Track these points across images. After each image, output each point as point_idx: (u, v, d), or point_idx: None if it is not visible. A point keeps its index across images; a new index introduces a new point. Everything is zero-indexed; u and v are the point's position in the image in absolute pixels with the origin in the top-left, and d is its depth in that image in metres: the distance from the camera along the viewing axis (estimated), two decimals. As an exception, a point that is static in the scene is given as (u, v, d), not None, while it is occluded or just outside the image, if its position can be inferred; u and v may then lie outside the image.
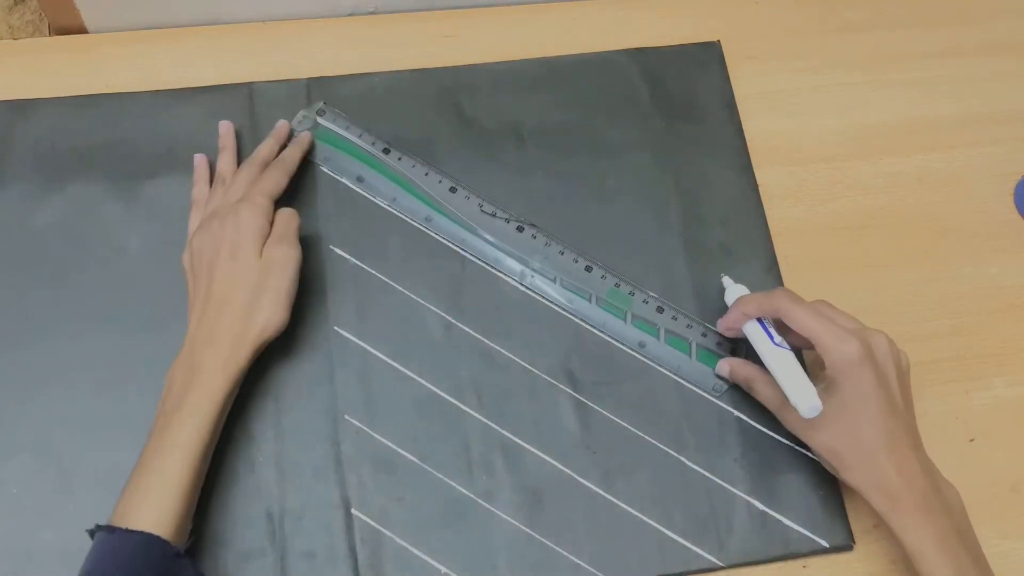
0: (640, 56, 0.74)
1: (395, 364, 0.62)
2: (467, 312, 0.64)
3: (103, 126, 0.68)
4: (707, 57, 0.74)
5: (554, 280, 0.65)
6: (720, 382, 0.63)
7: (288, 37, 0.74)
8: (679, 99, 0.72)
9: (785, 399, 0.57)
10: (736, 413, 0.62)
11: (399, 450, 0.60)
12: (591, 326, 0.64)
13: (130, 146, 0.68)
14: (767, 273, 0.67)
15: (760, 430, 0.62)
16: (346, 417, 0.61)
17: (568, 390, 0.62)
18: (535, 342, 0.63)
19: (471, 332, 0.63)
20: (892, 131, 0.74)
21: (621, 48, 0.74)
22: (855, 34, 0.77)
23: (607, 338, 0.64)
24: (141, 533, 0.50)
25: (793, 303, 0.58)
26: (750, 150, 0.72)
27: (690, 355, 0.63)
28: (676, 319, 0.65)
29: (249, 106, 0.70)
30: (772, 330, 0.60)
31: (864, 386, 0.55)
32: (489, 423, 0.61)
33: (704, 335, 0.64)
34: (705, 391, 0.63)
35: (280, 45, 0.73)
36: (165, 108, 0.69)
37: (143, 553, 0.50)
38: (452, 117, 0.70)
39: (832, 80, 0.75)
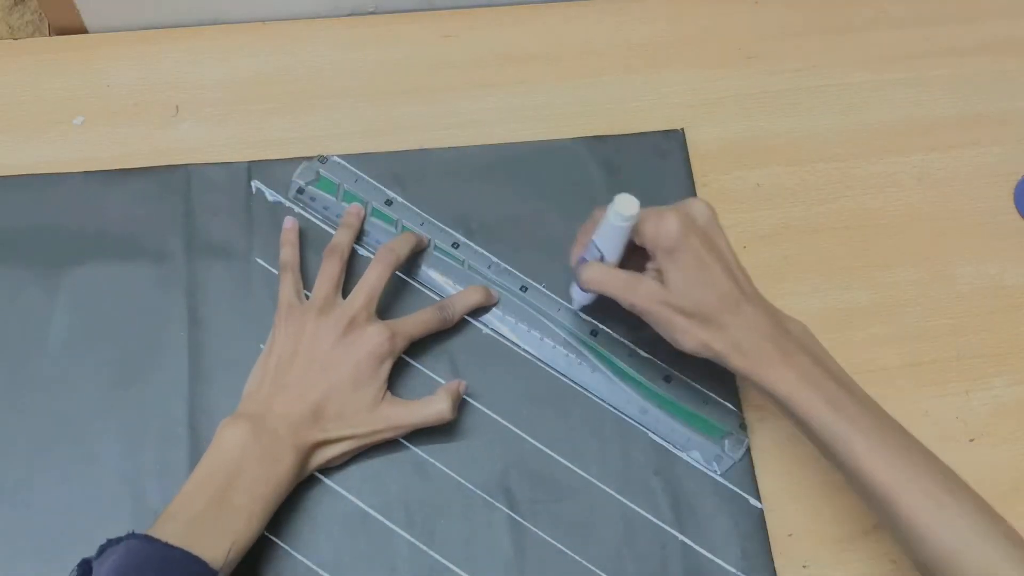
0: (598, 144, 0.70)
1: (320, 476, 0.58)
2: None
3: (29, 209, 0.65)
4: (669, 146, 0.70)
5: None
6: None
7: (288, 37, 0.74)
8: (637, 192, 0.68)
9: (635, 281, 0.56)
10: (681, 537, 0.59)
11: (320, 571, 0.57)
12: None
13: (57, 230, 0.65)
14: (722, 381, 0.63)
15: (707, 556, 0.58)
16: (265, 533, 0.56)
17: (504, 508, 0.59)
18: (472, 455, 0.60)
19: (404, 442, 0.60)
20: (892, 131, 0.74)
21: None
22: (855, 34, 0.77)
23: (548, 452, 0.61)
24: (180, 549, 0.49)
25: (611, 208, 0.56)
26: (753, 149, 0.72)
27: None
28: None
29: (186, 189, 0.66)
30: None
31: (694, 256, 0.54)
32: (418, 543, 0.58)
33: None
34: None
35: (280, 45, 0.74)
36: (96, 190, 0.66)
37: (178, 566, 0.49)
38: (397, 205, 0.67)
39: (832, 80, 0.75)
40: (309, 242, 0.65)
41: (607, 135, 0.71)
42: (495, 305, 0.64)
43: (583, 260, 0.58)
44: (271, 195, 0.67)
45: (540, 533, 0.58)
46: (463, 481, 0.59)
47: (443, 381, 0.62)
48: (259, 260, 0.65)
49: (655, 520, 0.59)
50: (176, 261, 0.64)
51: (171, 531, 0.51)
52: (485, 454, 0.60)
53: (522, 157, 0.69)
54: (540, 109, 0.72)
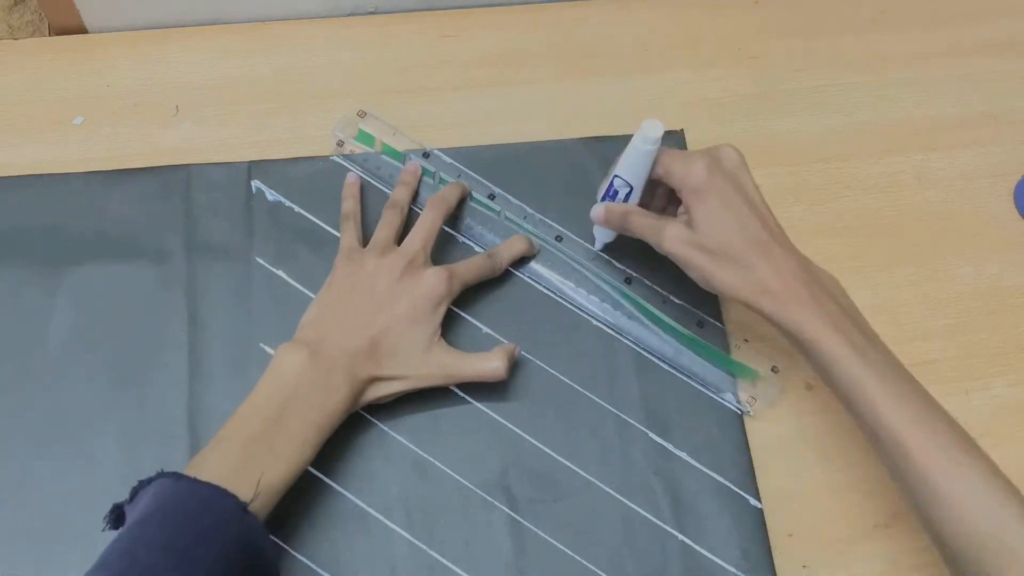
0: (598, 144, 0.70)
1: (321, 476, 0.58)
2: (401, 420, 0.60)
3: (29, 209, 0.65)
4: (669, 147, 0.71)
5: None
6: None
7: (288, 37, 0.74)
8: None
9: (663, 224, 0.58)
10: (681, 537, 0.59)
11: (320, 571, 0.56)
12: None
13: (57, 230, 0.65)
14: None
15: (707, 556, 0.58)
16: None
17: (504, 508, 0.59)
18: (471, 454, 0.60)
19: (404, 441, 0.60)
20: (892, 131, 0.74)
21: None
22: (855, 34, 0.77)
23: (548, 451, 0.61)
24: (209, 484, 0.49)
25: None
26: (753, 149, 0.71)
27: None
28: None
29: (186, 189, 0.66)
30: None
31: (720, 197, 0.56)
32: (418, 543, 0.58)
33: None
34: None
35: (280, 45, 0.73)
36: (97, 191, 0.66)
37: (208, 503, 0.49)
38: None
39: (832, 80, 0.75)
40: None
41: (607, 135, 0.71)
42: (536, 255, 0.66)
43: (607, 197, 0.60)
44: (271, 195, 0.67)
45: (540, 532, 0.58)
46: (463, 480, 0.59)
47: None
48: (259, 260, 0.65)
49: (655, 520, 0.59)
50: (176, 261, 0.64)
51: (225, 451, 0.52)
52: (485, 453, 0.60)
53: (522, 157, 0.69)
54: (540, 109, 0.72)
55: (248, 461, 0.52)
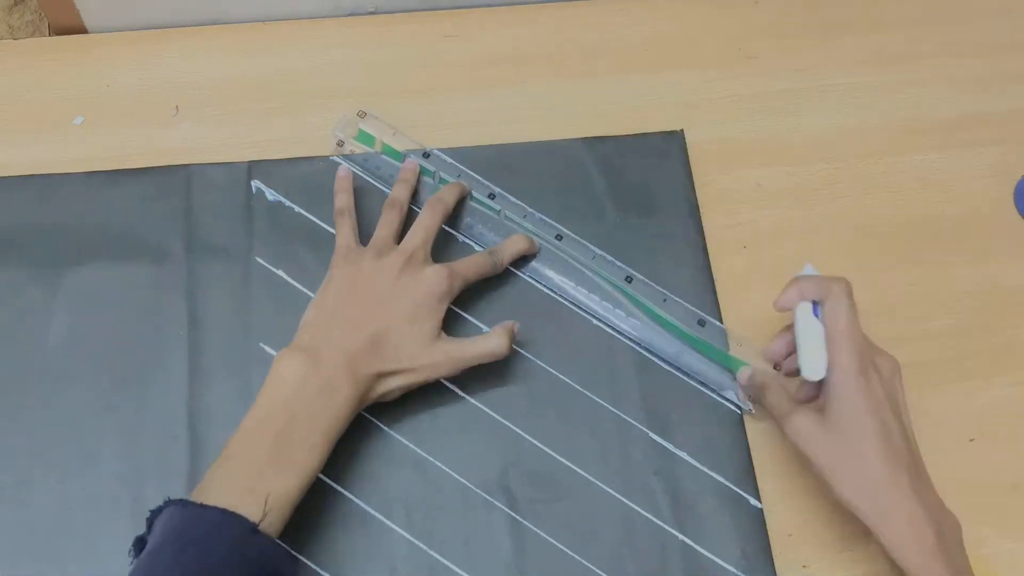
0: (598, 145, 0.70)
1: (321, 476, 0.57)
2: (401, 419, 0.60)
3: (29, 209, 0.65)
4: (668, 148, 0.70)
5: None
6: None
7: (288, 37, 0.74)
8: (636, 192, 0.68)
9: (791, 408, 0.55)
10: (681, 537, 0.58)
11: (320, 571, 0.56)
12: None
13: (57, 230, 0.65)
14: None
15: (707, 556, 0.58)
16: None
17: (503, 507, 0.58)
18: (471, 454, 0.60)
19: (404, 441, 0.60)
20: (892, 131, 0.73)
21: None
22: (855, 34, 0.77)
23: (548, 451, 0.60)
24: (216, 508, 0.49)
25: (844, 296, 0.55)
26: (753, 149, 0.72)
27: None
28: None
29: (186, 188, 0.66)
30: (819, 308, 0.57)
31: (867, 401, 0.53)
32: (417, 543, 0.57)
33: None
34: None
35: (280, 45, 0.74)
36: (97, 191, 0.66)
37: (217, 528, 0.49)
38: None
39: (832, 80, 0.75)
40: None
41: (607, 136, 0.71)
42: (536, 254, 0.66)
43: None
44: (271, 195, 0.67)
45: (540, 532, 0.58)
46: (463, 480, 0.59)
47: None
48: (259, 260, 0.65)
49: (655, 520, 0.59)
50: (176, 261, 0.64)
51: (233, 470, 0.51)
52: (484, 453, 0.60)
53: (522, 157, 0.69)
54: (540, 109, 0.72)
55: (258, 478, 0.51)
